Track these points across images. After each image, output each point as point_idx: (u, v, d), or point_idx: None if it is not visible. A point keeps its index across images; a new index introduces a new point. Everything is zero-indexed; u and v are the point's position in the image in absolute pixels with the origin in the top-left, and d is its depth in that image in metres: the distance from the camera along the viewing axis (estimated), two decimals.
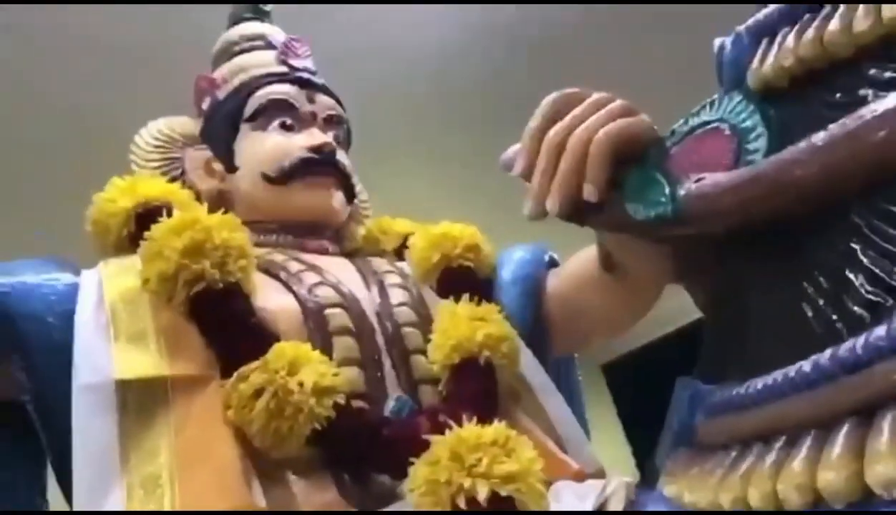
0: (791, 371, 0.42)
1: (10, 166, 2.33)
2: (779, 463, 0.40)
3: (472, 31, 2.26)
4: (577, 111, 0.60)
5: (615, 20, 2.17)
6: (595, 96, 0.62)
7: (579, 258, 0.88)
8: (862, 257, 0.41)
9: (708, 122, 0.56)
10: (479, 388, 0.74)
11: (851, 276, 0.42)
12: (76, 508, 0.64)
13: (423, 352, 0.79)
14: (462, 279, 0.87)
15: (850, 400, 0.38)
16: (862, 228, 0.42)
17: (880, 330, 0.37)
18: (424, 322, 0.82)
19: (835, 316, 0.42)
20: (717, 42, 0.58)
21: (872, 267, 0.41)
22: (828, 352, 0.40)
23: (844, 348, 0.39)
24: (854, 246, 0.42)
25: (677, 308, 0.59)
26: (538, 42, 2.25)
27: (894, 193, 0.41)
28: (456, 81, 2.42)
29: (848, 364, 0.38)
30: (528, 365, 0.86)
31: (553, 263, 0.97)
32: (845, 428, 0.37)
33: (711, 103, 0.57)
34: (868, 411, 0.37)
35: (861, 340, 0.38)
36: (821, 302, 0.43)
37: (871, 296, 0.40)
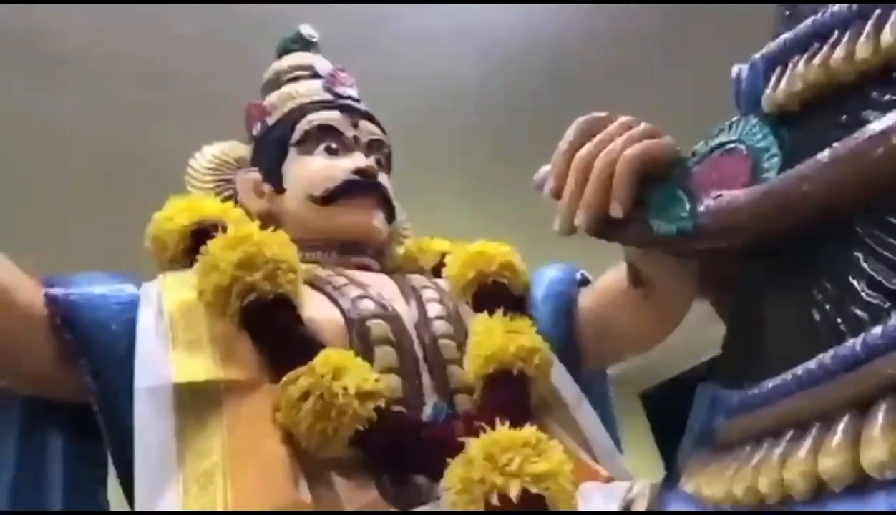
0: (798, 370, 0.46)
1: (60, 190, 2.44)
2: (786, 454, 0.44)
3: (510, 64, 2.34)
4: (604, 133, 0.65)
5: (644, 51, 2.23)
6: (621, 119, 0.66)
7: (609, 275, 0.92)
8: (864, 264, 0.45)
9: (726, 143, 0.60)
10: (511, 397, 0.78)
11: (854, 282, 0.45)
12: (137, 502, 0.69)
13: (459, 363, 0.84)
14: (496, 295, 0.91)
15: (849, 395, 0.41)
16: (864, 238, 0.45)
17: (877, 330, 0.41)
18: (460, 334, 0.86)
19: (839, 319, 0.45)
20: (735, 69, 0.62)
21: (873, 274, 0.44)
22: (831, 352, 0.44)
23: (845, 347, 0.42)
24: (857, 254, 0.45)
25: (715, 337, 0.62)
26: (572, 75, 2.31)
27: (893, 205, 0.44)
28: (492, 112, 2.49)
29: (847, 361, 0.42)
30: (561, 378, 0.89)
31: (585, 281, 1.01)
32: (845, 420, 0.41)
33: (730, 125, 0.60)
34: (865, 403, 0.40)
35: (860, 339, 0.42)
36: (827, 307, 0.47)
37: (871, 300, 0.44)
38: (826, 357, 0.44)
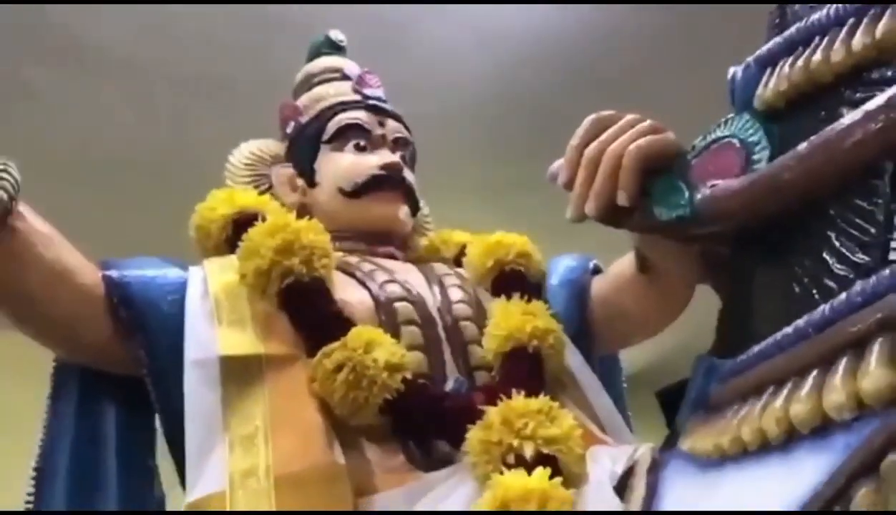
0: (778, 335, 0.52)
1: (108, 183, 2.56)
2: (765, 406, 0.50)
3: (528, 66, 2.41)
4: (612, 129, 0.71)
5: (658, 54, 2.30)
6: (628, 117, 0.72)
7: (618, 264, 0.98)
8: (835, 242, 0.51)
9: (722, 138, 0.66)
10: (527, 372, 0.85)
11: (827, 257, 0.51)
12: (188, 462, 0.76)
13: (479, 343, 0.90)
14: (514, 281, 0.97)
15: (817, 352, 0.47)
16: (835, 219, 0.52)
17: (842, 296, 0.47)
18: (479, 317, 0.93)
19: (814, 290, 0.52)
20: (731, 71, 0.68)
21: (842, 250, 0.50)
22: (805, 317, 0.50)
23: (816, 313, 0.49)
24: (830, 233, 0.52)
25: None
26: (589, 76, 2.38)
27: (861, 189, 0.50)
28: (510, 113, 2.57)
29: (818, 324, 0.48)
30: (574, 359, 0.96)
31: (597, 270, 1.07)
32: (814, 374, 0.47)
33: (725, 122, 0.67)
34: (831, 359, 0.46)
35: (829, 305, 0.48)
36: (805, 280, 0.53)
37: (840, 272, 0.50)
38: (800, 322, 0.50)
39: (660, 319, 0.98)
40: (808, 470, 0.45)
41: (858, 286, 0.47)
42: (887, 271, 0.45)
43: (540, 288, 1.01)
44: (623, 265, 0.96)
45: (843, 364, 0.45)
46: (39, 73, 2.15)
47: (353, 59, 1.22)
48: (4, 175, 0.76)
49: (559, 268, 1.07)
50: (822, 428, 0.45)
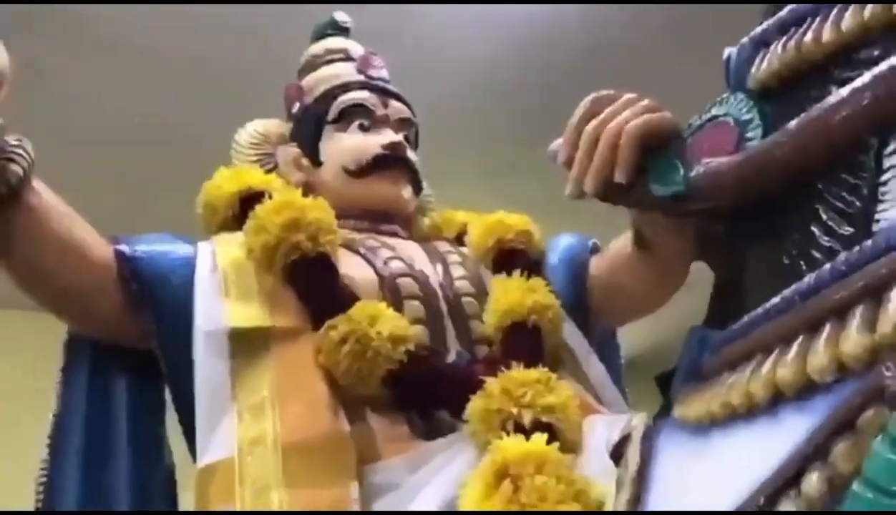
0: (767, 305, 0.54)
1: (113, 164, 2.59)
2: (753, 372, 0.52)
3: (532, 48, 2.42)
4: (610, 108, 0.73)
5: (663, 36, 2.31)
6: (626, 96, 0.74)
7: (617, 242, 1.00)
8: (822, 215, 0.53)
9: (717, 117, 0.68)
10: (527, 345, 0.87)
11: (814, 230, 0.53)
12: (198, 429, 0.79)
13: (479, 318, 0.93)
14: (514, 258, 1.00)
15: (804, 319, 0.49)
16: (823, 193, 0.54)
17: (827, 266, 0.49)
18: (480, 293, 0.95)
19: (801, 262, 0.54)
20: (726, 52, 0.70)
21: (829, 222, 0.52)
22: (793, 287, 0.52)
23: (803, 282, 0.51)
24: (817, 206, 0.54)
25: None
26: (594, 59, 2.39)
27: (848, 165, 0.52)
28: (514, 96, 2.58)
29: (804, 293, 0.50)
30: (572, 335, 0.98)
31: (596, 249, 1.09)
32: (799, 340, 0.49)
33: (720, 101, 0.69)
34: (815, 325, 0.48)
35: (814, 275, 0.50)
36: (794, 252, 0.55)
37: (826, 244, 0.52)
38: (788, 291, 0.52)
39: (657, 295, 1.00)
40: (791, 431, 0.47)
41: (842, 256, 0.49)
42: (869, 242, 0.47)
43: (540, 266, 1.04)
44: (621, 243, 0.98)
45: (826, 330, 0.47)
46: (48, 51, 2.17)
47: (357, 42, 1.24)
48: (19, 151, 0.78)
49: (559, 247, 1.09)
50: (806, 390, 0.47)
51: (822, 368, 0.46)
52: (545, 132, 0.77)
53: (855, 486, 0.38)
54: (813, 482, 0.42)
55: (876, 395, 0.41)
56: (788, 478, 0.44)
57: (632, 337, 1.72)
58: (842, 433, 0.42)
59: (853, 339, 0.44)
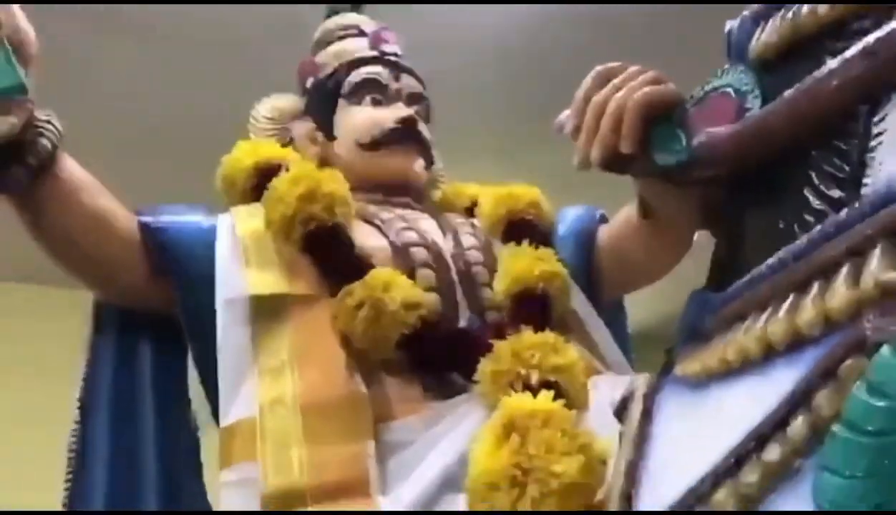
0: (763, 266, 0.57)
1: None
2: (747, 328, 0.55)
3: (543, 22, 2.44)
4: (616, 80, 0.76)
5: (664, 8, 2.32)
6: (631, 68, 0.77)
7: (623, 212, 1.03)
8: (815, 180, 0.56)
9: (718, 87, 0.71)
10: (535, 311, 0.90)
11: (807, 195, 0.56)
12: (221, 391, 0.83)
13: (490, 287, 0.96)
14: (524, 229, 1.03)
15: (795, 278, 0.52)
16: (816, 159, 0.56)
17: (818, 228, 0.52)
18: (491, 263, 0.99)
19: (795, 225, 0.57)
20: (728, 24, 0.72)
21: (820, 187, 0.55)
22: (786, 248, 0.55)
23: (795, 244, 0.54)
24: (810, 172, 0.56)
25: None
26: (607, 32, 2.40)
27: (839, 131, 0.55)
28: (525, 70, 2.60)
29: (796, 254, 0.53)
30: (580, 302, 1.01)
31: (604, 220, 1.12)
32: (791, 297, 0.52)
33: (721, 72, 0.71)
34: (806, 283, 0.51)
35: (806, 237, 0.53)
36: (788, 216, 0.58)
37: (818, 207, 0.55)
38: (782, 253, 0.55)
39: (662, 263, 1.03)
40: (782, 382, 0.50)
41: (831, 219, 0.52)
42: (856, 205, 0.50)
43: (549, 236, 1.07)
44: (626, 213, 1.01)
45: (815, 287, 0.50)
46: (66, 30, 2.20)
47: (370, 17, 1.26)
48: (48, 125, 0.81)
49: (567, 218, 1.12)
50: (796, 344, 0.50)
51: (809, 322, 0.49)
52: (556, 106, 0.80)
53: (834, 427, 0.41)
54: (797, 426, 0.46)
55: (857, 346, 0.44)
56: (776, 424, 0.47)
57: (642, 310, 1.75)
58: (825, 381, 0.45)
59: (838, 295, 0.47)
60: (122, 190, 0.92)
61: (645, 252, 1.00)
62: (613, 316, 1.16)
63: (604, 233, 1.08)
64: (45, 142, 0.80)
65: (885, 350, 0.40)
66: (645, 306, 1.78)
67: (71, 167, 0.86)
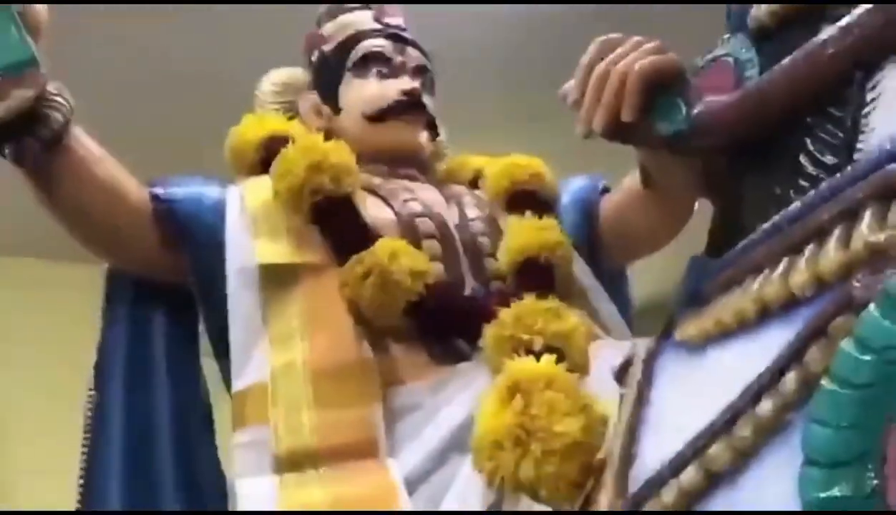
0: (759, 230, 0.59)
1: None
2: (744, 291, 0.57)
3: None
4: (619, 50, 0.77)
5: None
6: (633, 39, 0.78)
7: (625, 181, 1.05)
8: (810, 146, 0.57)
9: (719, 56, 0.72)
10: (538, 279, 0.92)
11: (802, 160, 0.58)
12: (233, 357, 0.85)
13: (493, 256, 0.98)
14: (527, 199, 1.04)
15: (790, 241, 0.54)
16: (811, 126, 0.58)
17: (811, 193, 0.54)
18: (495, 233, 1.00)
19: (791, 190, 0.58)
20: None
21: (815, 153, 0.56)
22: (782, 213, 0.57)
23: (791, 208, 0.55)
24: (805, 138, 0.58)
25: None
26: (605, 9, 2.39)
27: (834, 98, 0.56)
28: (533, 42, 2.59)
29: (791, 218, 0.55)
30: (582, 270, 1.03)
31: (606, 189, 1.14)
32: (785, 260, 0.54)
33: (722, 41, 0.72)
34: (801, 246, 0.53)
35: (800, 201, 0.55)
36: (784, 181, 0.59)
37: (812, 172, 0.56)
38: (777, 217, 0.57)
39: (664, 232, 1.05)
40: (776, 341, 0.52)
41: (825, 184, 0.53)
42: (849, 169, 0.51)
43: (552, 206, 1.08)
44: (628, 182, 1.02)
45: (808, 250, 0.52)
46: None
47: None
48: (59, 98, 0.83)
49: (571, 188, 1.14)
50: (790, 304, 0.52)
51: (802, 284, 0.51)
52: (563, 77, 0.81)
53: (823, 381, 0.43)
54: (789, 381, 0.47)
55: (846, 304, 0.46)
56: (770, 381, 0.49)
57: (648, 282, 1.76)
58: (816, 338, 0.47)
59: (830, 256, 0.49)
60: (140, 161, 0.94)
61: (646, 220, 1.02)
62: (616, 284, 1.18)
63: (606, 202, 1.09)
64: (57, 114, 0.82)
65: (871, 307, 0.42)
66: (649, 279, 1.79)
67: (82, 139, 0.87)
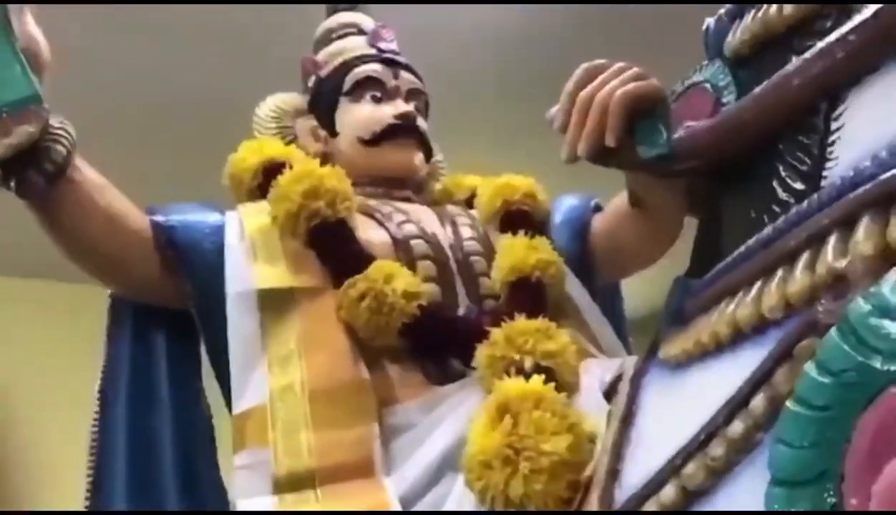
0: (735, 253, 0.61)
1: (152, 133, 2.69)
2: (721, 312, 0.59)
3: (546, 9, 2.46)
4: (601, 76, 0.79)
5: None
6: (616, 65, 0.80)
7: (615, 200, 1.07)
8: (781, 173, 0.60)
9: (697, 83, 0.74)
10: (530, 298, 0.94)
11: (775, 186, 0.60)
12: (233, 380, 0.88)
13: (487, 275, 1.00)
14: (520, 219, 1.06)
15: (762, 265, 0.56)
16: (782, 153, 0.60)
17: (782, 218, 0.56)
18: (488, 252, 1.02)
19: (764, 215, 0.60)
20: (706, 22, 0.75)
21: (786, 179, 0.59)
22: (755, 237, 0.59)
23: (763, 232, 0.58)
24: (777, 164, 0.60)
25: None
26: (608, 21, 2.42)
27: (803, 126, 0.58)
28: (528, 57, 2.62)
29: (763, 242, 0.57)
30: (575, 288, 1.05)
31: (598, 208, 1.16)
32: (758, 283, 0.56)
33: (700, 68, 0.74)
34: (771, 270, 0.55)
35: (772, 226, 0.57)
36: (759, 205, 0.62)
37: (784, 198, 0.59)
38: (751, 241, 0.59)
39: (653, 250, 1.07)
40: (748, 361, 0.54)
41: (794, 210, 0.55)
42: (815, 196, 0.53)
43: (544, 225, 1.10)
44: (618, 200, 1.05)
45: (779, 274, 0.54)
46: (73, 26, 2.24)
47: (371, 9, 1.29)
48: (62, 132, 0.86)
49: (563, 207, 1.16)
50: (761, 327, 0.54)
51: (772, 307, 0.53)
52: (558, 91, 0.83)
53: (787, 402, 0.45)
54: (758, 402, 0.50)
55: (811, 328, 0.48)
56: (741, 400, 0.51)
57: (642, 295, 1.77)
58: (783, 361, 0.49)
59: (797, 281, 0.51)
60: (126, 180, 0.96)
61: (636, 238, 1.04)
62: (609, 300, 1.20)
63: (598, 220, 1.12)
64: (59, 147, 0.85)
65: (833, 331, 0.44)
66: (644, 292, 1.81)
67: (84, 169, 0.90)
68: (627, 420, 0.70)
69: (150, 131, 2.72)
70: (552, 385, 0.75)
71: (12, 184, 0.83)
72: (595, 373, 0.81)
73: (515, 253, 0.97)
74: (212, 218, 1.00)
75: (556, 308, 1.00)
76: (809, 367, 0.44)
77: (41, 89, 0.83)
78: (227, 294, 0.91)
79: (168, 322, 1.00)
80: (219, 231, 0.98)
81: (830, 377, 0.42)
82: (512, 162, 1.25)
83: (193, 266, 0.95)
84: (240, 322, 0.90)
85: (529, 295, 0.95)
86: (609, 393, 0.78)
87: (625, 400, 0.72)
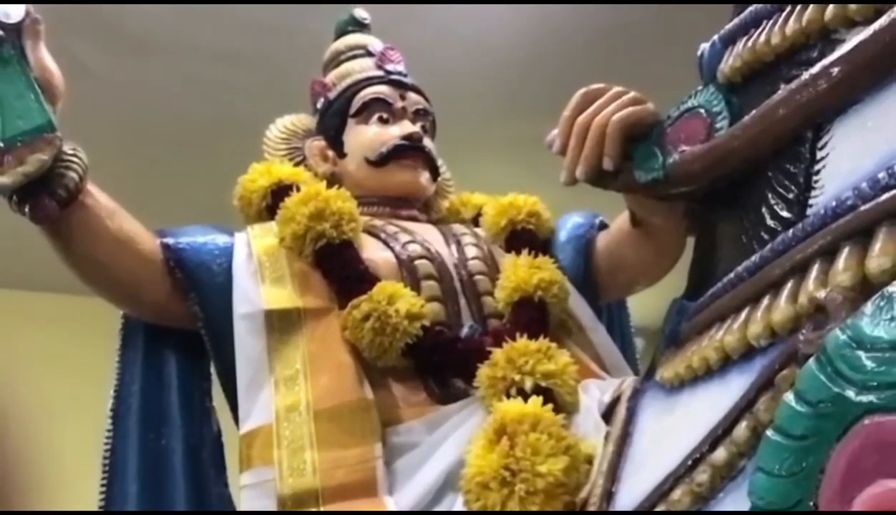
0: (725, 279, 0.62)
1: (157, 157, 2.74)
2: (712, 337, 0.60)
3: (552, 27, 2.48)
4: (599, 101, 0.80)
5: (658, 19, 2.35)
6: (614, 89, 0.82)
7: (618, 219, 1.08)
8: (770, 200, 0.60)
9: (692, 108, 0.75)
10: (532, 318, 0.95)
11: (763, 213, 0.61)
12: (240, 400, 0.90)
13: (491, 295, 1.01)
14: (524, 238, 1.08)
15: (750, 292, 0.57)
16: (771, 180, 0.61)
17: (769, 245, 0.57)
18: (493, 272, 1.04)
19: (754, 241, 0.61)
20: (700, 48, 0.76)
21: (774, 206, 0.60)
22: (745, 263, 0.60)
23: (752, 259, 0.59)
24: (766, 191, 0.61)
25: None
26: (613, 38, 2.43)
27: (789, 154, 0.59)
28: (534, 74, 2.64)
29: (751, 269, 0.58)
30: (578, 305, 1.06)
31: (603, 226, 1.17)
32: (746, 310, 0.57)
33: (695, 93, 0.75)
34: (758, 297, 0.56)
35: (759, 253, 0.58)
36: (749, 231, 0.63)
37: (772, 225, 0.59)
38: (740, 267, 0.60)
39: (656, 268, 1.07)
40: (735, 388, 0.55)
41: (780, 238, 0.56)
42: (800, 225, 0.54)
43: (548, 244, 1.11)
44: (621, 220, 1.06)
45: (765, 301, 0.55)
46: (88, 50, 2.29)
47: (377, 23, 1.31)
48: (75, 158, 0.88)
49: (567, 225, 1.17)
50: (748, 353, 0.55)
51: (757, 334, 0.54)
52: (562, 109, 0.84)
53: (768, 431, 0.46)
54: (741, 430, 0.51)
55: (792, 357, 0.49)
56: (726, 428, 0.52)
57: (652, 307, 1.77)
58: (766, 389, 0.50)
59: (780, 309, 0.52)
60: (138, 203, 0.99)
61: (638, 257, 1.05)
62: (616, 315, 1.21)
63: (601, 239, 1.12)
64: (72, 174, 0.87)
65: (811, 361, 0.45)
66: (654, 305, 1.81)
67: (96, 194, 0.92)
68: (624, 441, 0.71)
69: (161, 152, 2.76)
70: (550, 406, 0.76)
71: (26, 209, 0.86)
72: (594, 394, 0.82)
73: (518, 272, 0.99)
74: (221, 239, 1.02)
75: (560, 326, 1.01)
76: (789, 397, 0.45)
77: (54, 118, 0.86)
78: (234, 314, 0.93)
79: (179, 342, 1.02)
80: (227, 252, 1.00)
81: (808, 407, 0.43)
82: (517, 178, 1.27)
83: (202, 287, 0.97)
84: (247, 342, 0.91)
85: (531, 314, 0.96)
86: (608, 414, 0.79)
87: (622, 422, 0.73)
